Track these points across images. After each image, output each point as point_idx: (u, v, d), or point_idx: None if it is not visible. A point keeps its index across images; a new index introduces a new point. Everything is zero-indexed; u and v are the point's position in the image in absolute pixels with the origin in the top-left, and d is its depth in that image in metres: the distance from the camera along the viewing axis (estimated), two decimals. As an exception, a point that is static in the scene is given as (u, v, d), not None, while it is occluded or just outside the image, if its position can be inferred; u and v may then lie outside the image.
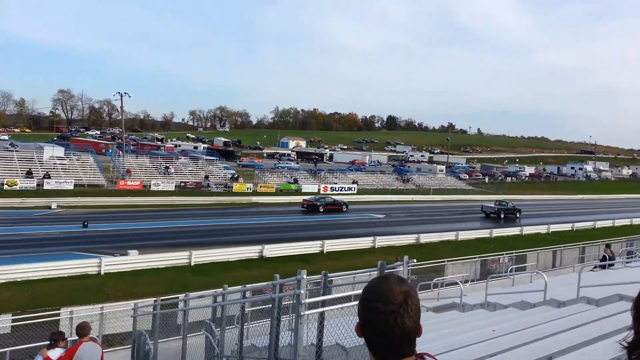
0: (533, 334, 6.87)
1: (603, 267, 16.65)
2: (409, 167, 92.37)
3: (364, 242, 29.89)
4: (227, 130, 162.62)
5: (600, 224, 44.00)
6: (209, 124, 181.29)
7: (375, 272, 8.19)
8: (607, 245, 20.07)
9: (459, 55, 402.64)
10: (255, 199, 49.87)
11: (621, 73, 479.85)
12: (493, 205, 49.03)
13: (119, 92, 61.77)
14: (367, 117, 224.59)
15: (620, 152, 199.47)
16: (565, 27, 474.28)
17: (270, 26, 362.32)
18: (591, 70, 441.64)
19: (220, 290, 9.46)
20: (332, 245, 28.33)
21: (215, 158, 64.42)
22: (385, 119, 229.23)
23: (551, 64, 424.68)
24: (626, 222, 46.69)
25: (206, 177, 55.20)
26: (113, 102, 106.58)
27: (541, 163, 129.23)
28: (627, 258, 19.44)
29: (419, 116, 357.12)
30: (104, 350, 7.21)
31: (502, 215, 47.59)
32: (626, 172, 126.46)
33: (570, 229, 40.52)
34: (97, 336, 12.05)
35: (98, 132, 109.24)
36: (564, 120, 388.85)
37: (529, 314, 9.55)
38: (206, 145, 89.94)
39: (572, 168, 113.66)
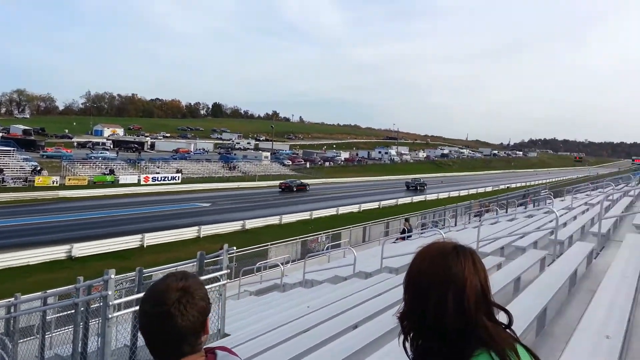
0: (343, 305, 7.38)
1: (403, 238, 19.03)
2: (235, 154, 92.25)
3: (189, 233, 29.11)
4: (28, 116, 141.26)
5: (401, 201, 50.04)
6: (3, 110, 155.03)
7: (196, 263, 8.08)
8: (406, 220, 22.99)
9: (282, 46, 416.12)
10: (63, 193, 44.53)
11: (418, 69, 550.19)
12: (411, 181, 69.74)
13: None
14: (192, 104, 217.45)
15: (418, 137, 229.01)
16: (371, 25, 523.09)
17: (83, 2, 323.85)
18: (394, 65, 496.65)
19: (12, 299, 8.25)
20: (154, 238, 26.98)
21: (12, 148, 55.42)
22: (210, 107, 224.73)
23: (361, 57, 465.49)
24: (421, 198, 54.13)
25: (0, 170, 47.36)
26: None
27: (354, 148, 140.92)
28: (422, 229, 22.50)
29: (245, 104, 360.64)
30: None
31: (417, 188, 66.61)
32: (422, 155, 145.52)
33: (378, 206, 45.35)
34: None
35: None
36: (372, 109, 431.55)
37: (341, 287, 10.36)
38: (0, 134, 76.90)
39: (380, 152, 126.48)
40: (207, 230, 29.94)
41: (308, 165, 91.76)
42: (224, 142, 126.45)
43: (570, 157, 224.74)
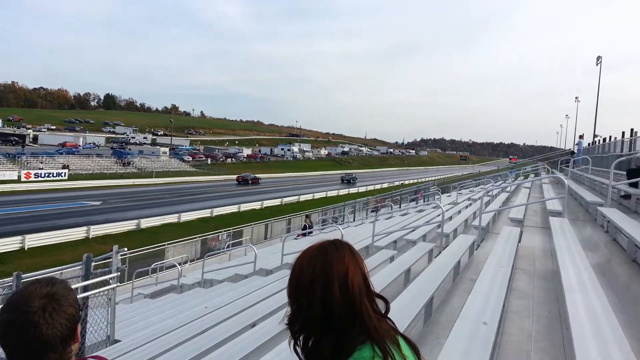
0: (242, 304, 7.31)
1: (304, 235, 19.28)
2: (130, 149, 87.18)
3: (76, 233, 27.03)
4: None
5: (303, 198, 50.64)
6: None
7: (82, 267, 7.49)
8: (307, 216, 23.31)
9: (182, 36, 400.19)
10: None
11: (318, 67, 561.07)
12: (345, 175, 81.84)
13: None
14: (81, 95, 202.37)
15: (320, 135, 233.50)
16: (275, 21, 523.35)
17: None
18: (295, 63, 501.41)
19: None
20: (36, 239, 24.71)
21: None
22: (102, 98, 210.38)
23: (264, 53, 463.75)
24: (322, 195, 55.25)
25: None
26: None
27: (257, 145, 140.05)
28: (322, 225, 22.97)
29: (141, 96, 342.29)
30: None
31: (350, 181, 77.23)
32: (324, 152, 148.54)
33: (280, 203, 45.51)
34: None
35: None
36: (275, 106, 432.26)
37: (240, 285, 10.22)
38: None
39: (282, 149, 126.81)
40: (98, 230, 28.03)
41: (209, 161, 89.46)
42: (118, 136, 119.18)
43: (457, 155, 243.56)
